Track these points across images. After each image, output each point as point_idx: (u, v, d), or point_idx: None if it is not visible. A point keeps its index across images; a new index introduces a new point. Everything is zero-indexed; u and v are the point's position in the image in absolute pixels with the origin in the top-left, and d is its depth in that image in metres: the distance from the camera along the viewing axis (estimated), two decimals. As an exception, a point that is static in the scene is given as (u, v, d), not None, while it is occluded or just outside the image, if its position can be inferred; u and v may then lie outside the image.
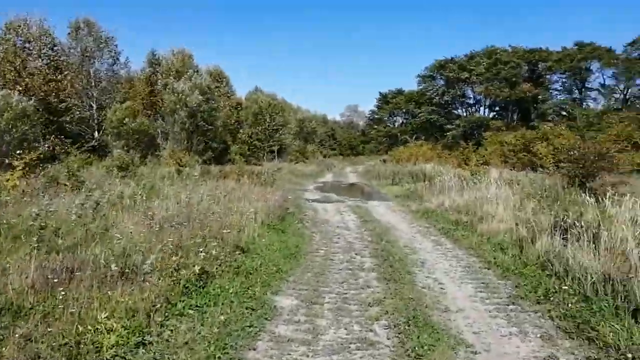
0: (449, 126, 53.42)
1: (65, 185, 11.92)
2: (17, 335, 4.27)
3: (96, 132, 33.83)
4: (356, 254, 9.27)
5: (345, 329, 5.44)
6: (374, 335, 5.29)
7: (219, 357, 4.49)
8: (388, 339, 5.19)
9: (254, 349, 4.80)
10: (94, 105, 35.11)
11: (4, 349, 4.00)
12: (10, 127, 23.74)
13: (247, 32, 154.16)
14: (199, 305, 5.73)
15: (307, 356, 4.71)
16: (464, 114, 57.59)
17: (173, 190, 12.22)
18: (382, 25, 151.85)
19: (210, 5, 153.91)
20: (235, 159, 35.59)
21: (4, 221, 7.82)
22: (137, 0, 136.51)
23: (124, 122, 29.70)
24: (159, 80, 37.53)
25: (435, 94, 57.27)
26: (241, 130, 46.41)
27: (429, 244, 10.31)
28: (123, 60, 38.80)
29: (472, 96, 57.70)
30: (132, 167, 18.21)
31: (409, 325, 5.50)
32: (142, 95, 36.86)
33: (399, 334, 5.30)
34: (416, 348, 4.87)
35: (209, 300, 5.89)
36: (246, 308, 5.82)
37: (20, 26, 31.90)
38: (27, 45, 32.03)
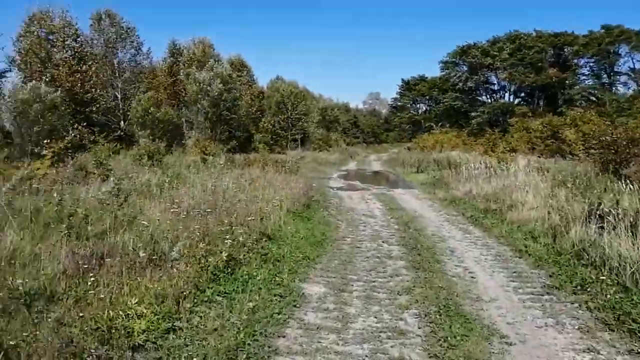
0: (473, 113, 52.55)
1: (94, 173, 12.07)
2: (50, 320, 4.30)
3: (122, 122, 34.27)
4: (383, 242, 9.15)
5: (375, 317, 5.35)
6: (405, 324, 5.19)
7: (249, 344, 4.45)
8: (419, 328, 5.08)
9: (283, 337, 4.75)
10: (119, 95, 35.53)
11: (39, 332, 4.02)
12: (39, 117, 24.22)
13: (266, 20, 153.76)
14: (227, 291, 5.71)
15: (337, 344, 4.63)
16: (489, 101, 56.57)
17: (199, 179, 12.26)
18: (401, 12, 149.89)
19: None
20: (258, 147, 35.65)
21: (35, 208, 7.92)
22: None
23: (149, 111, 29.99)
24: (181, 70, 37.73)
25: (458, 80, 56.33)
26: (263, 119, 46.43)
27: (458, 232, 10.12)
28: (145, 51, 39.13)
29: (496, 82, 56.59)
30: (158, 156, 18.37)
31: (440, 315, 5.38)
32: (164, 85, 37.13)
33: (430, 323, 5.19)
34: (448, 338, 4.75)
35: (237, 287, 5.87)
36: (274, 295, 5.78)
37: (43, 18, 32.33)
38: (50, 37, 32.47)
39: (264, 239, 8.07)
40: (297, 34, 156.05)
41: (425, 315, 5.39)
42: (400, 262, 7.68)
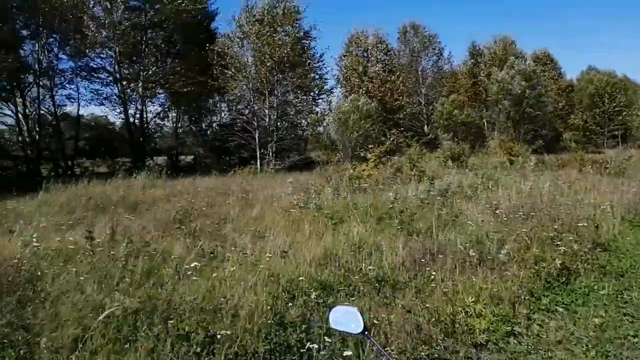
0: None
1: (410, 174, 13.04)
2: (399, 306, 4.78)
3: (425, 126, 36.12)
4: None
5: None
6: None
7: (606, 366, 3.98)
8: None
9: (648, 369, 4.07)
10: (422, 101, 37.56)
11: (391, 316, 4.51)
12: (356, 126, 27.69)
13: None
14: (565, 302, 5.27)
15: None
16: None
17: (511, 181, 11.84)
18: None
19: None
20: (569, 146, 32.33)
21: (370, 204, 9.02)
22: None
23: (452, 114, 30.73)
24: (482, 71, 37.37)
25: None
26: (573, 115, 41.85)
27: None
28: (446, 56, 40.28)
29: None
30: (463, 158, 18.60)
31: None
32: (465, 88, 37.41)
33: None
34: None
35: (577, 299, 5.36)
36: (624, 314, 5.05)
37: (359, 38, 36.81)
38: (365, 53, 36.71)
39: (597, 249, 7.18)
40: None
41: None
42: None
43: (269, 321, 4.26)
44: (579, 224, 7.79)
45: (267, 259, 5.65)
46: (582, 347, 4.27)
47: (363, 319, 1.87)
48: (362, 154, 19.54)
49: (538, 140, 29.78)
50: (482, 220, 7.53)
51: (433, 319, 4.53)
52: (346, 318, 1.87)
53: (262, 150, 26.90)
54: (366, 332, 1.75)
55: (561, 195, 10.44)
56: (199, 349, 3.70)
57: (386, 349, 4.03)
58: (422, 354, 4.04)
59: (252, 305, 4.42)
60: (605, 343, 4.38)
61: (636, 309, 5.22)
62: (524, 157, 18.34)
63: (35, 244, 5.85)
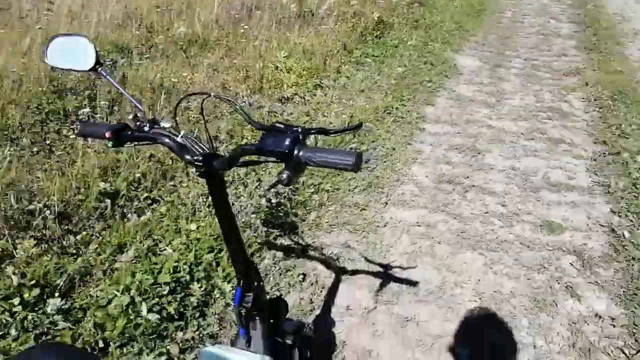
0: None
1: None
2: (205, 65, 4.47)
3: None
4: (552, 18, 7.87)
5: (534, 96, 4.81)
6: (569, 106, 4.61)
7: (396, 108, 4.29)
8: (586, 112, 4.49)
9: (433, 105, 4.50)
10: None
11: (195, 74, 4.21)
12: None
13: None
14: (375, 54, 5.41)
15: (490, 119, 4.30)
16: None
17: None
18: None
19: None
20: None
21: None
22: None
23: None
24: None
25: None
26: None
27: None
28: None
29: None
30: None
31: (613, 101, 4.67)
32: None
33: (600, 108, 4.54)
34: (622, 125, 4.14)
35: (386, 51, 5.53)
36: (424, 63, 5.38)
37: None
38: None
39: (415, 4, 7.33)
40: None
41: (595, 100, 4.73)
42: (570, 42, 6.64)
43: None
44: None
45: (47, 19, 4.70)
46: (382, 94, 4.51)
47: (96, 50, 1.37)
48: None
49: None
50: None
51: (240, 77, 4.34)
52: (72, 52, 1.38)
53: None
54: (99, 69, 1.28)
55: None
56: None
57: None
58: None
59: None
60: (403, 89, 4.68)
61: (436, 58, 5.58)
62: None
63: None
